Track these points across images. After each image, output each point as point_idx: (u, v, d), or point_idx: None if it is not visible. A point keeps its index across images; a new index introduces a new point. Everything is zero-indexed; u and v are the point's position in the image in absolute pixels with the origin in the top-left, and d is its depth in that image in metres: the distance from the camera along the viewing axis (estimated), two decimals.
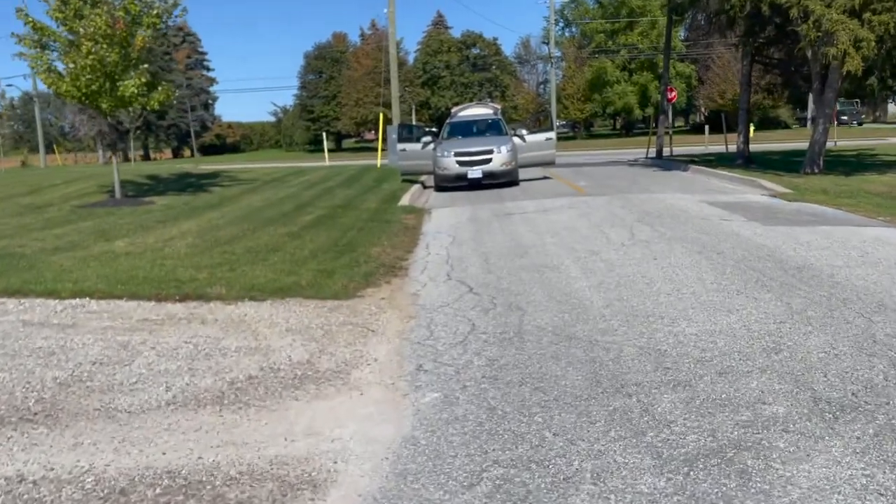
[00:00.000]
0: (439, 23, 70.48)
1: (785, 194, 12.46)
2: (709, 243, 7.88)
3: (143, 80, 12.51)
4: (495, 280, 6.80)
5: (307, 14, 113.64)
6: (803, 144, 30.81)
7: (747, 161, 19.71)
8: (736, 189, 14.07)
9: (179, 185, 18.30)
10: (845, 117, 52.28)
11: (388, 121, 25.69)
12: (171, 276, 6.95)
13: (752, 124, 22.53)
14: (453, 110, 20.36)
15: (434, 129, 20.70)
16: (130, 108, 13.54)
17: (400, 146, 17.67)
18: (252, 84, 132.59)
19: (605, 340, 4.78)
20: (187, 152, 71.51)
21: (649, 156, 25.70)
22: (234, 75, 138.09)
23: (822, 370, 4.06)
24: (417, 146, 17.26)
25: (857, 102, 49.95)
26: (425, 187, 17.47)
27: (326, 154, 31.73)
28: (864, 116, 53.02)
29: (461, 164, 15.92)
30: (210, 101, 71.88)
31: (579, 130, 63.13)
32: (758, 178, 15.05)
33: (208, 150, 71.39)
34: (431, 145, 16.96)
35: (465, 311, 5.79)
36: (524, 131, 17.53)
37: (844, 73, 13.00)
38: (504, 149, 16.09)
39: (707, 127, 34.78)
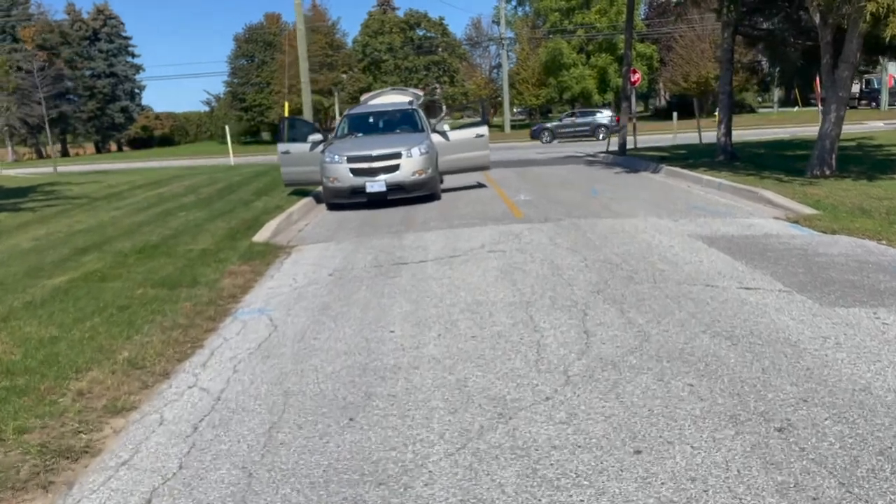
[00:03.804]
0: (385, 3, 65.50)
1: (811, 218, 8.45)
2: (747, 380, 3.75)
3: None
4: None
5: None
6: (782, 132, 27.34)
7: (731, 157, 15.80)
8: (733, 206, 10.04)
9: None
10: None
11: (297, 111, 21.20)
12: None
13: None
14: (363, 98, 15.94)
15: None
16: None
17: (282, 147, 13.14)
18: (184, 70, 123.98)
19: None
20: (114, 146, 65.54)
21: (610, 149, 21.71)
22: (166, 61, 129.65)
23: None
24: (305, 147, 12.81)
25: None
26: (319, 202, 13.13)
27: (231, 150, 27.03)
28: None
29: (356, 172, 11.58)
30: (136, 91, 65.83)
31: (535, 117, 58.88)
32: (756, 185, 11.07)
33: (136, 144, 65.64)
34: (321, 146, 12.56)
35: None
36: (447, 127, 13.11)
37: (887, 37, 9.05)
38: (417, 151, 11.77)
39: (675, 113, 30.88)
